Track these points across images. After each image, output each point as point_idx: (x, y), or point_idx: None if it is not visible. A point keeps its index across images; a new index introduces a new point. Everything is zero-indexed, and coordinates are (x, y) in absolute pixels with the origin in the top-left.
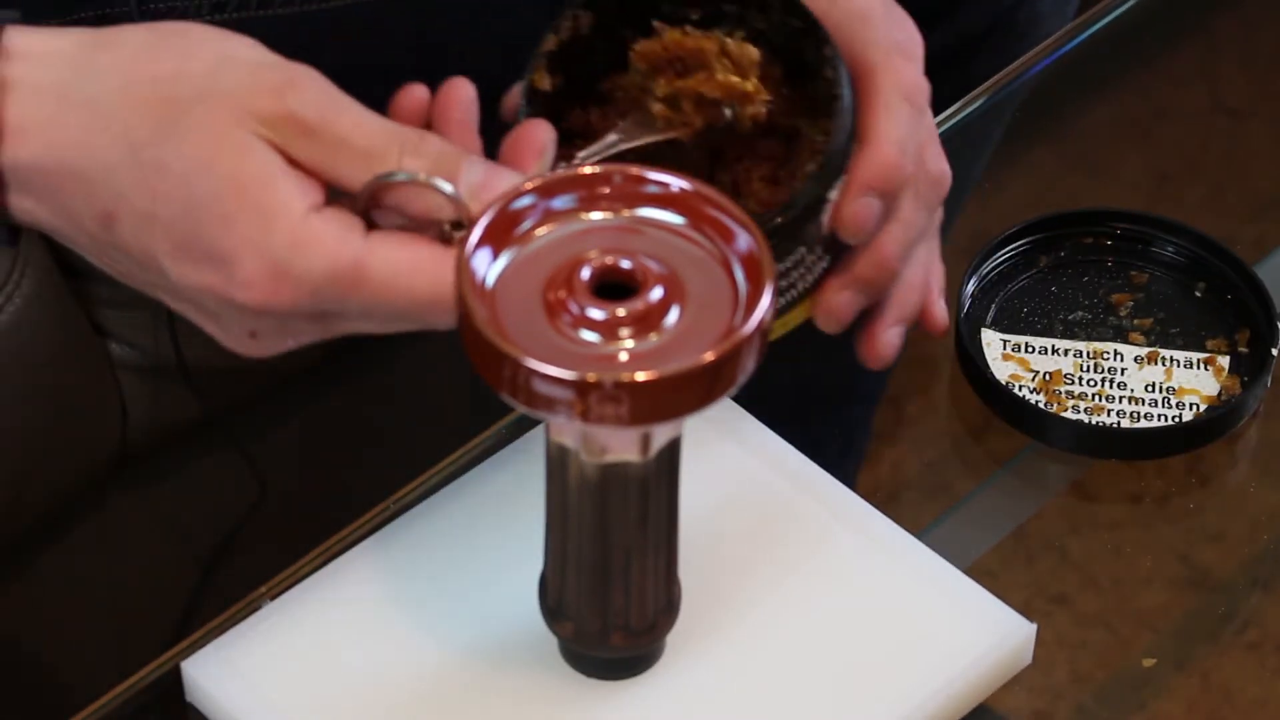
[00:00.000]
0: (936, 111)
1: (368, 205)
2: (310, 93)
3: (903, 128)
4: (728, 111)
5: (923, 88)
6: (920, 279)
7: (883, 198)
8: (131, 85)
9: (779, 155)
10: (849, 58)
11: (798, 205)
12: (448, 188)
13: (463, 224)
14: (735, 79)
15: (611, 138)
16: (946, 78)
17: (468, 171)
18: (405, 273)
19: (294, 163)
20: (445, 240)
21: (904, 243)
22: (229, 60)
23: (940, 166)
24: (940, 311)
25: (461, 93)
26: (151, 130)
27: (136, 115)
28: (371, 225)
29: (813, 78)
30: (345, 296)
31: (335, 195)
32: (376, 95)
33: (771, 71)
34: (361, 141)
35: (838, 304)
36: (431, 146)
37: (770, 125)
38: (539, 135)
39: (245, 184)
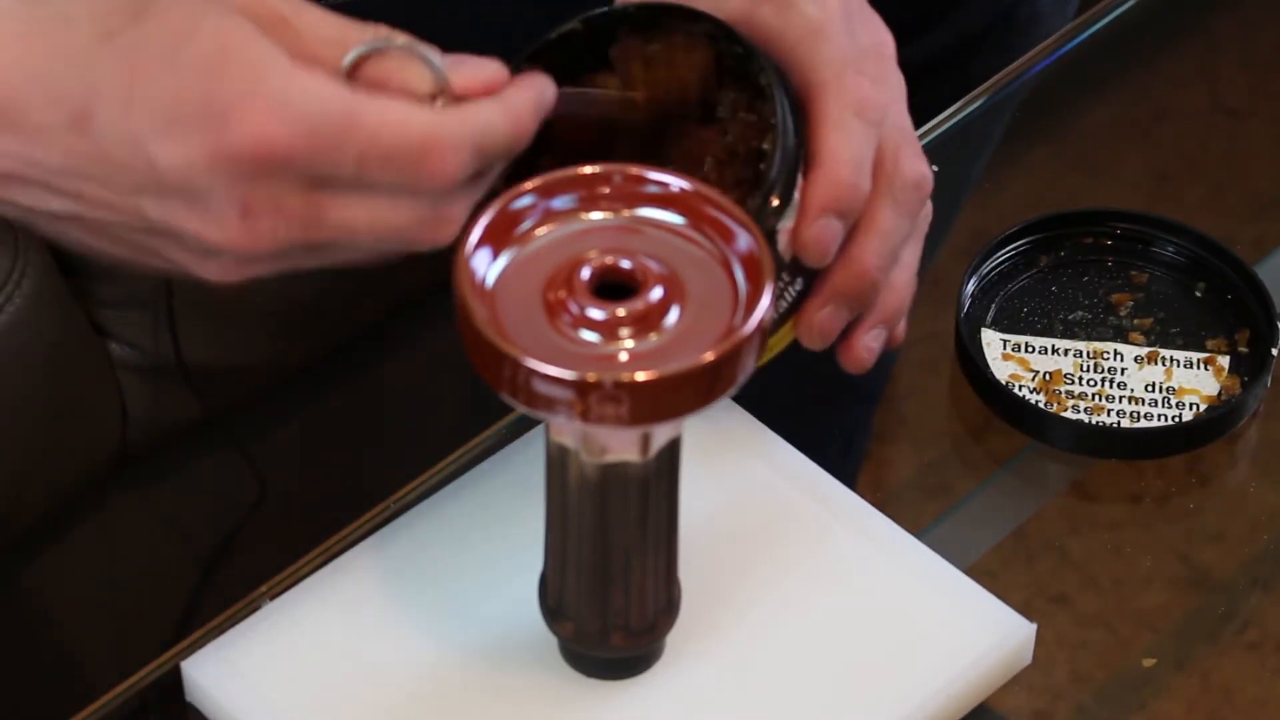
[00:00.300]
0: (937, 111)
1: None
2: None
3: (854, 145)
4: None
5: (876, 101)
6: (903, 281)
7: (841, 217)
8: None
9: (748, 181)
10: (800, 77)
11: None
12: (435, 59)
13: (441, 95)
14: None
15: (590, 90)
16: (946, 77)
17: (434, 53)
18: (400, 111)
19: None
20: (431, 93)
21: (883, 253)
22: None
23: (918, 169)
24: (900, 330)
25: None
26: (125, 18)
27: (108, 7)
28: None
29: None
30: (340, 140)
31: None
32: None
33: (737, 97)
34: (332, 30)
35: (819, 320)
36: (403, 36)
37: (733, 151)
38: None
39: (230, 45)
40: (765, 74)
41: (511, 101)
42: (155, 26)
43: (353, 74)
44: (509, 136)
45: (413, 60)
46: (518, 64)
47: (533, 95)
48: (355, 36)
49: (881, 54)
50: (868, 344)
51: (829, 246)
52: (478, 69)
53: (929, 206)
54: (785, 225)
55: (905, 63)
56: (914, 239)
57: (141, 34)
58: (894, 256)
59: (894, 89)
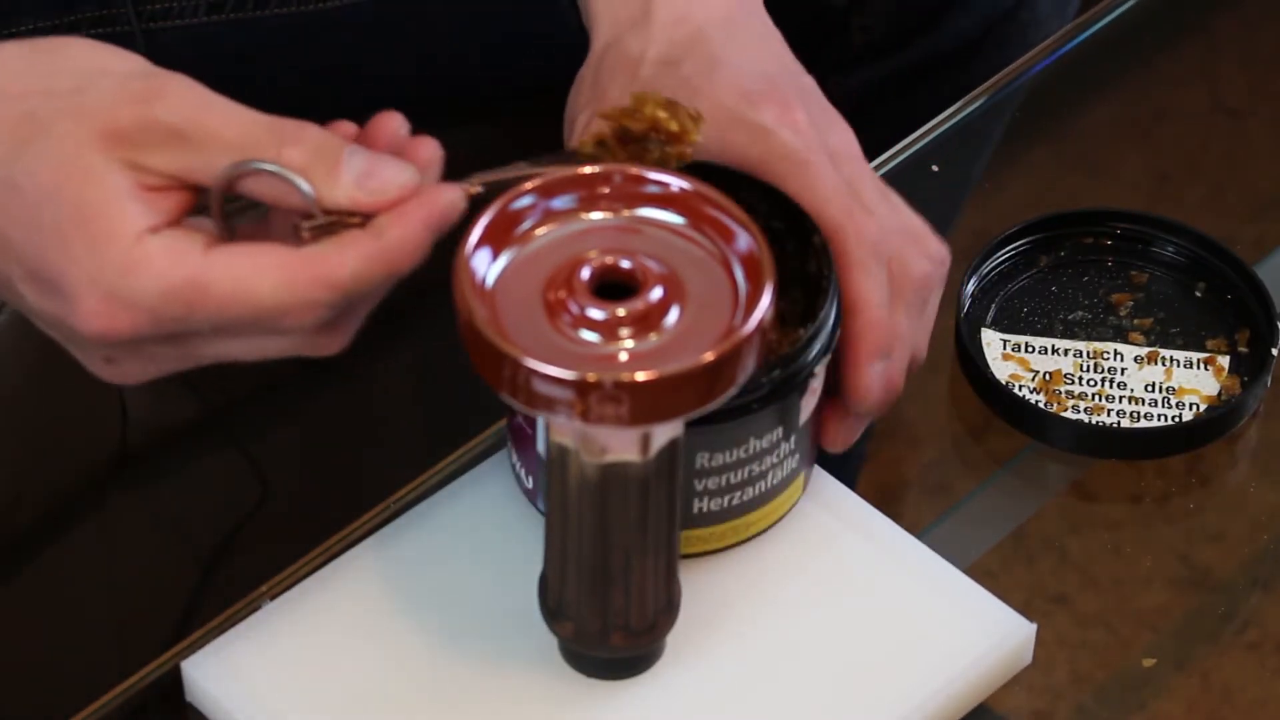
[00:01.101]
0: (937, 112)
1: (222, 205)
2: (177, 98)
3: (882, 287)
4: (654, 149)
5: (885, 237)
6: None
7: (886, 359)
8: None
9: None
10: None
11: (774, 378)
12: (305, 186)
13: (314, 217)
14: (664, 114)
15: (520, 164)
16: (946, 79)
17: (349, 159)
18: (248, 278)
19: (152, 181)
20: (298, 238)
21: (906, 360)
22: (99, 74)
23: (922, 268)
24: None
25: (390, 124)
26: (9, 149)
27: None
28: (233, 234)
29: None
30: (188, 314)
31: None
32: (370, 97)
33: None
34: (233, 134)
35: (843, 434)
36: (311, 135)
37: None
38: (431, 142)
39: (85, 212)
40: (818, 234)
41: (387, 240)
42: (27, 170)
43: (232, 186)
44: (381, 277)
45: (284, 185)
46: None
47: (417, 228)
48: (256, 138)
49: (854, 156)
50: (850, 432)
51: (884, 389)
52: (382, 182)
53: (939, 286)
54: (818, 373)
55: (905, 64)
56: (925, 324)
57: (16, 175)
58: (909, 356)
59: (880, 190)
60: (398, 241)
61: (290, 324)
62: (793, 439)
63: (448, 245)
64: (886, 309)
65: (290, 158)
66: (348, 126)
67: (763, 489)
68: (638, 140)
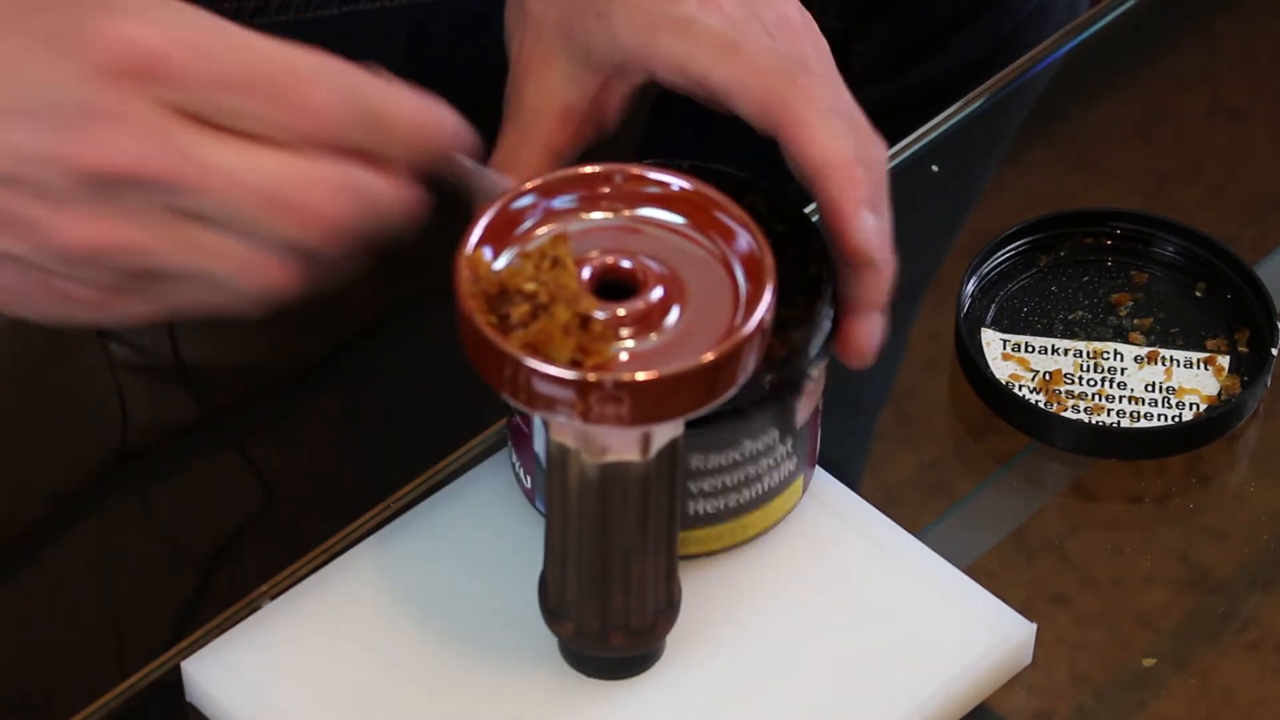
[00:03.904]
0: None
1: None
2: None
3: (852, 143)
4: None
5: (840, 102)
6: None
7: (875, 213)
8: None
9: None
10: (744, 102)
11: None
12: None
13: None
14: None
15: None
16: (947, 103)
17: None
18: (277, 48)
19: None
20: None
21: (888, 241)
22: None
23: (879, 149)
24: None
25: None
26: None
27: None
28: None
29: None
30: (217, 53)
31: None
32: None
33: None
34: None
35: (865, 336)
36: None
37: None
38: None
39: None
40: (818, 239)
41: (422, 104)
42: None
43: None
44: (411, 122)
45: None
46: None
47: (448, 116)
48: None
49: (796, 30)
50: (871, 333)
51: (881, 241)
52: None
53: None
54: (814, 376)
55: (906, 89)
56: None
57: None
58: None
59: (831, 64)
60: (440, 114)
61: (306, 99)
62: (790, 442)
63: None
64: (862, 162)
65: None
66: None
67: (759, 491)
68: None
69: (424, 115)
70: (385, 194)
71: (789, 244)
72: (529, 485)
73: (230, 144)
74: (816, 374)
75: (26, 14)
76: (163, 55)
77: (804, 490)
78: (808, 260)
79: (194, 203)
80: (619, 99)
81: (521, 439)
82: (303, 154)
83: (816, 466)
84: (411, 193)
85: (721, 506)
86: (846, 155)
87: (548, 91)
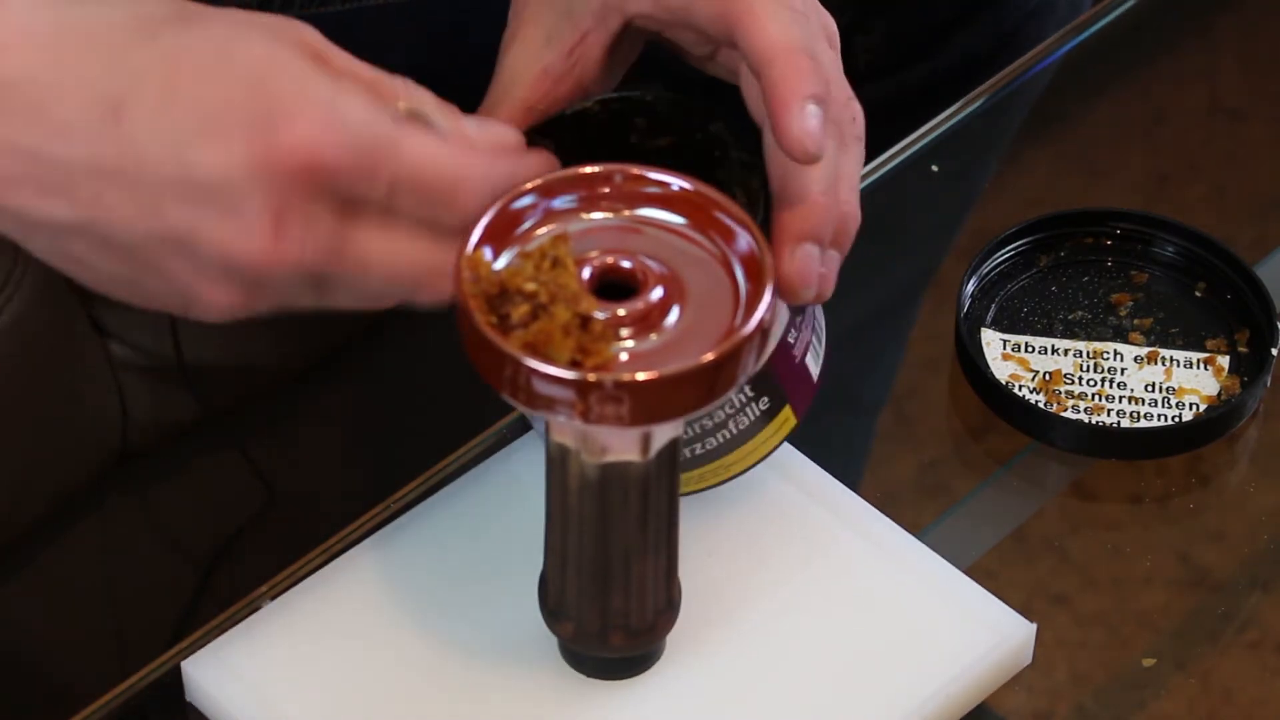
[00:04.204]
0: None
1: None
2: (316, 32)
3: (803, 32)
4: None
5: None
6: (850, 198)
7: (819, 104)
8: (136, 4)
9: None
10: (718, 9)
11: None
12: (440, 118)
13: None
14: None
15: None
16: (950, 99)
17: (461, 114)
18: (435, 147)
19: None
20: None
21: (853, 180)
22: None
23: (849, 92)
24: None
25: None
26: (171, 23)
27: (151, 11)
28: None
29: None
30: (378, 165)
31: None
32: None
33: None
34: (366, 74)
35: (795, 267)
36: (425, 89)
37: None
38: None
39: (277, 58)
40: (759, 182)
41: (530, 161)
42: (201, 33)
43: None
44: (525, 174)
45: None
46: (527, 133)
47: (542, 166)
48: (388, 81)
49: None
50: (803, 264)
51: (817, 140)
52: (500, 131)
53: (860, 116)
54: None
55: (909, 85)
56: (851, 152)
57: (188, 38)
58: (833, 178)
59: None
60: (536, 167)
61: (462, 207)
62: (746, 388)
63: None
64: (811, 54)
65: (417, 96)
66: None
67: (724, 439)
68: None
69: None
70: None
71: (752, 175)
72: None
73: (380, 231)
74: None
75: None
76: (332, 163)
77: (799, 417)
78: (752, 202)
79: (336, 284)
80: (597, 52)
81: None
82: (441, 243)
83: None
84: None
85: (690, 453)
86: (793, 42)
87: (529, 50)
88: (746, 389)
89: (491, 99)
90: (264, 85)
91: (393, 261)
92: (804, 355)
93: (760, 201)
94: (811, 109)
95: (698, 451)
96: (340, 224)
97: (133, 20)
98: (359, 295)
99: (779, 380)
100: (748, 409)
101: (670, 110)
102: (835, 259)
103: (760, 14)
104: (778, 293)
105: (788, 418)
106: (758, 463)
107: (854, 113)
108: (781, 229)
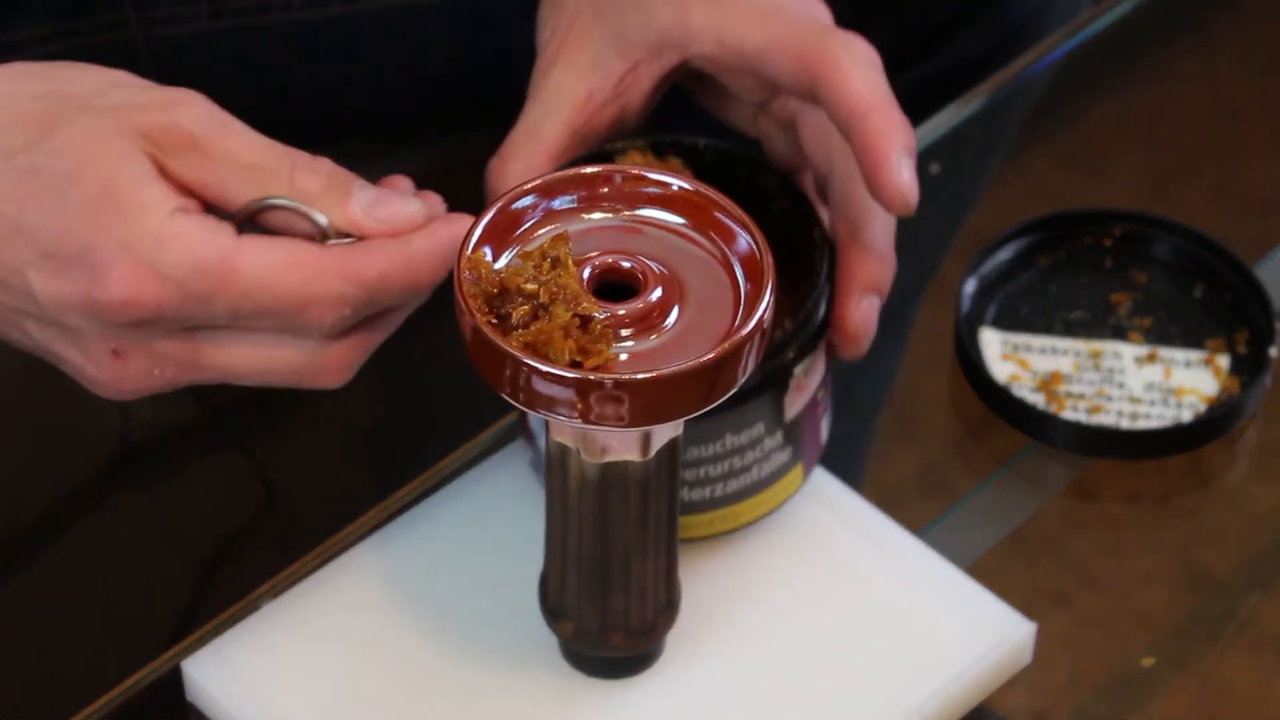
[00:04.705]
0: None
1: (242, 229)
2: (198, 109)
3: (882, 87)
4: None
5: (875, 53)
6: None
7: (910, 156)
8: (11, 99)
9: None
10: (777, 63)
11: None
12: (321, 219)
13: (342, 235)
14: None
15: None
16: (953, 96)
17: (360, 190)
18: (276, 269)
19: (172, 178)
20: (321, 239)
21: (893, 229)
22: (115, 83)
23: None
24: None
25: (398, 185)
26: (28, 138)
27: (15, 126)
28: None
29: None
30: (213, 294)
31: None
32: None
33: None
34: (250, 157)
35: (860, 319)
36: (324, 165)
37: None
38: (434, 195)
39: (117, 188)
40: (819, 227)
41: (414, 249)
42: (52, 154)
43: (253, 221)
44: (404, 286)
45: (299, 218)
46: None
47: (444, 243)
48: (273, 164)
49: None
50: (868, 315)
51: (915, 192)
52: (392, 212)
53: None
54: (797, 374)
55: (907, 88)
56: None
57: (40, 160)
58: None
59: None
60: (424, 251)
61: (311, 317)
62: (780, 435)
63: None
64: (898, 108)
65: (303, 182)
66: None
67: (748, 482)
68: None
69: (427, 268)
70: (400, 319)
71: (790, 231)
72: (529, 457)
73: (235, 346)
74: (808, 369)
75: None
76: (154, 305)
77: (805, 478)
78: (805, 250)
79: (209, 382)
80: (647, 85)
81: (524, 414)
82: (308, 344)
83: (818, 466)
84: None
85: (708, 495)
86: (882, 97)
87: (574, 73)
88: (778, 435)
89: (536, 116)
90: (95, 226)
91: (257, 367)
92: (824, 415)
93: (824, 251)
94: (906, 161)
95: (717, 493)
96: (188, 346)
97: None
98: (246, 382)
99: (804, 435)
100: (774, 456)
101: (717, 158)
102: (876, 303)
103: (848, 68)
104: (835, 346)
105: (798, 476)
106: (762, 517)
107: None
108: (851, 278)
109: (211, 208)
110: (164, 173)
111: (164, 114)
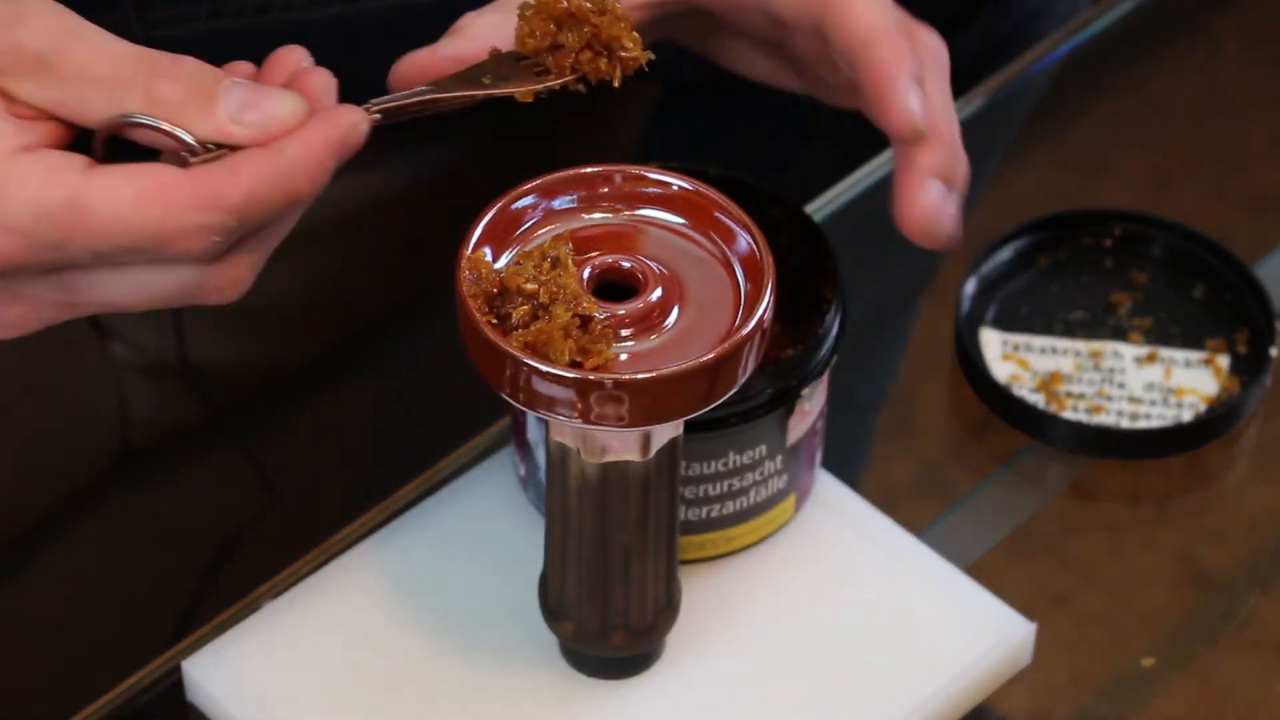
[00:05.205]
0: None
1: (107, 145)
2: (43, 23)
3: (894, 19)
4: (603, 63)
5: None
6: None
7: (920, 84)
8: None
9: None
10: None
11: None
12: (185, 135)
13: (198, 153)
14: (619, 28)
15: (421, 87)
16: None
17: (227, 93)
18: (132, 203)
19: (20, 109)
20: (182, 163)
21: (950, 114)
22: None
23: (933, 36)
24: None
25: (290, 58)
26: None
27: None
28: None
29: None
30: (66, 238)
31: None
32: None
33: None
34: (103, 69)
35: (929, 204)
36: (186, 69)
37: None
38: (323, 72)
39: None
40: (830, 258)
41: (285, 158)
42: None
43: (117, 136)
44: (281, 200)
45: (162, 135)
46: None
47: (319, 147)
48: (129, 74)
49: None
50: (946, 207)
51: (932, 113)
52: (264, 115)
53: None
54: (805, 395)
55: None
56: (944, 84)
57: None
58: (955, 118)
59: None
60: (298, 159)
61: (177, 251)
62: (779, 459)
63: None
64: (906, 35)
65: (162, 91)
66: (245, 66)
67: (744, 505)
68: (555, 38)
69: (304, 177)
70: (292, 222)
71: (800, 260)
72: (521, 474)
73: (109, 276)
74: (812, 394)
75: None
76: (8, 260)
77: (796, 509)
78: (816, 279)
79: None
80: (642, 13)
81: (517, 425)
82: (186, 267)
83: (819, 467)
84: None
85: (704, 515)
86: (889, 27)
87: None
88: (778, 459)
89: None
90: None
91: (139, 297)
92: (819, 449)
93: (834, 279)
94: (914, 88)
95: (713, 514)
96: (59, 284)
97: None
98: (132, 309)
99: (800, 463)
100: (771, 481)
101: (727, 187)
102: (957, 200)
103: (855, 3)
104: (909, 232)
105: (790, 506)
106: (752, 545)
107: (934, 46)
108: (910, 165)
109: (75, 130)
110: (10, 100)
111: (5, 32)
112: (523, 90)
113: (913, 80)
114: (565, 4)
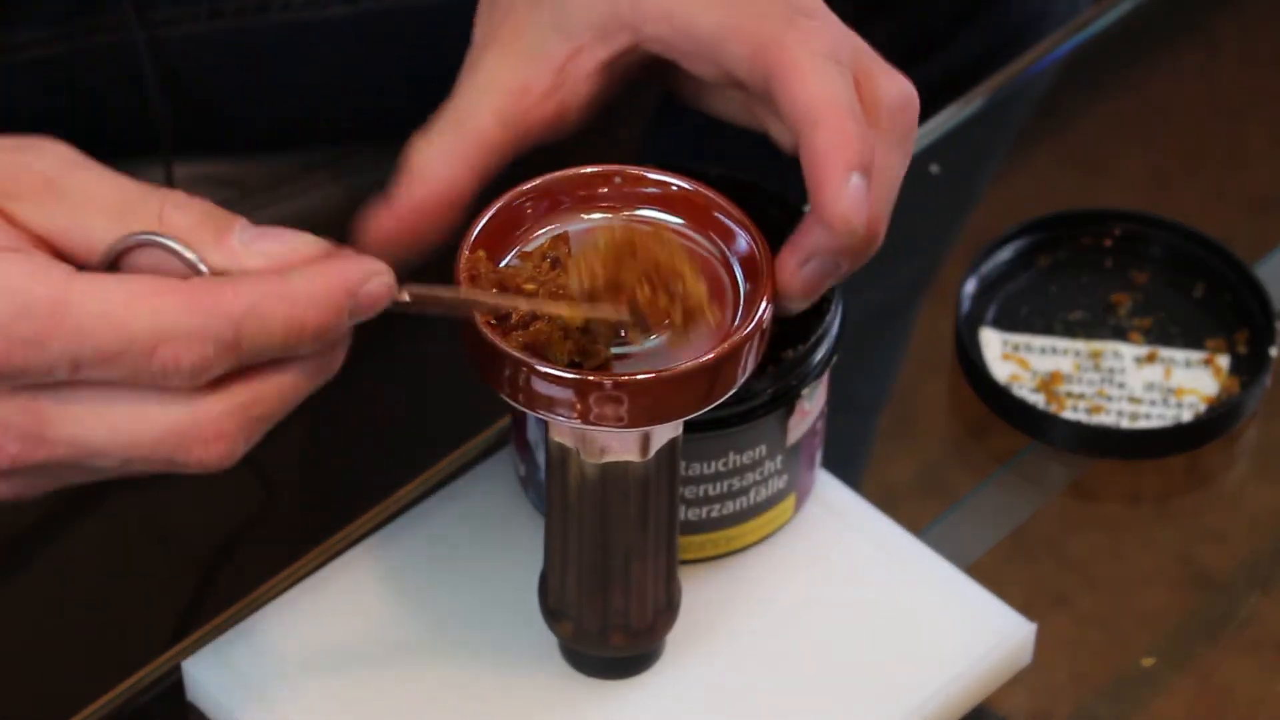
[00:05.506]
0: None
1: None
2: (52, 151)
3: (847, 93)
4: (662, 299)
5: (841, 47)
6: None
7: (864, 172)
8: None
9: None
10: (732, 53)
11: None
12: (192, 256)
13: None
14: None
15: (464, 288)
16: (947, 104)
17: (243, 227)
18: (122, 302)
19: (17, 229)
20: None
21: (889, 199)
22: None
23: (900, 87)
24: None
25: None
26: None
27: None
28: None
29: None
30: (44, 337)
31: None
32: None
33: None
34: (113, 197)
35: (807, 277)
36: (200, 203)
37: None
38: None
39: None
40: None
41: (292, 284)
42: None
43: (116, 262)
44: (283, 328)
45: (170, 257)
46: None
47: (334, 280)
48: (138, 201)
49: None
50: (822, 281)
51: (864, 212)
52: (279, 245)
53: (915, 124)
54: (805, 394)
55: None
56: (904, 161)
57: None
58: (894, 197)
59: (831, 14)
60: (308, 287)
61: (164, 359)
62: (779, 459)
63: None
64: (856, 116)
65: (174, 219)
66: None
67: (744, 505)
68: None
69: (311, 308)
70: (296, 390)
71: None
72: (522, 473)
73: (84, 405)
74: (812, 394)
75: None
76: None
77: (796, 509)
78: None
79: (67, 470)
80: (592, 71)
81: (518, 427)
82: (175, 402)
83: (819, 467)
84: (330, 359)
85: (704, 515)
86: (838, 105)
87: (508, 59)
88: (779, 459)
89: (460, 105)
90: None
91: (117, 437)
92: (818, 450)
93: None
94: (855, 181)
95: (713, 514)
96: (30, 408)
97: None
98: (110, 472)
99: (800, 464)
100: (771, 481)
101: (727, 188)
102: (838, 278)
103: (804, 66)
104: (838, 225)
105: (790, 506)
106: (752, 545)
107: (914, 129)
108: (825, 160)
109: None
110: (9, 221)
111: (14, 154)
112: (571, 314)
113: (856, 171)
114: (651, 261)
